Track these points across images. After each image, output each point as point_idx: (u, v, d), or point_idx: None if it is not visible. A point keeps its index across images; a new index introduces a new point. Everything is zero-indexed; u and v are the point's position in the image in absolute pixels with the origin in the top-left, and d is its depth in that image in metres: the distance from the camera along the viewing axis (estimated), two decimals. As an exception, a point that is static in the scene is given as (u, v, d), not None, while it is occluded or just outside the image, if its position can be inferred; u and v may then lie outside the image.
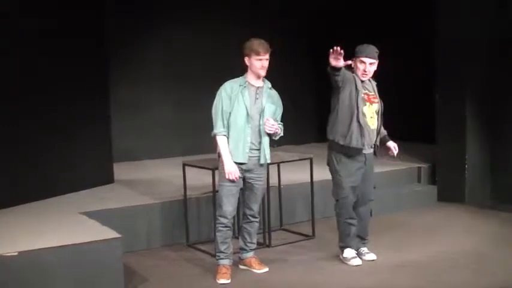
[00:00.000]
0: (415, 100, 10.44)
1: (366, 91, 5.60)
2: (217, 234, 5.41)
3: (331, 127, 5.64)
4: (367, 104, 5.58)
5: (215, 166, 5.71)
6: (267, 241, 6.39)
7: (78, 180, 7.13)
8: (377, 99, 5.70)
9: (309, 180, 6.73)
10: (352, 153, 5.55)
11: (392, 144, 5.90)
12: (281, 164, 6.68)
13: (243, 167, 5.33)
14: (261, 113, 5.34)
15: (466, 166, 8.12)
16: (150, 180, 7.89)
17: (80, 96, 7.08)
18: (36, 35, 6.56)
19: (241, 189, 5.46)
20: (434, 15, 8.32)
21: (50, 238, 5.11)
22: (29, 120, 6.50)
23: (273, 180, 6.58)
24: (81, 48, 7.05)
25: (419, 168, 8.72)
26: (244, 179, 5.41)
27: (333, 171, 5.71)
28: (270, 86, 5.47)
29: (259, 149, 5.37)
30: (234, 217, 5.66)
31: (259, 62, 5.25)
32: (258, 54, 5.22)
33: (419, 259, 5.88)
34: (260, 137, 5.36)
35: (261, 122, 5.33)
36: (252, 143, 5.33)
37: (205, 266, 5.75)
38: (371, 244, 5.95)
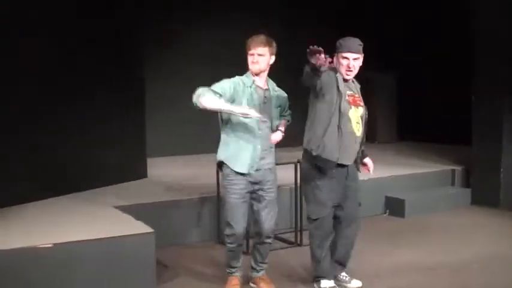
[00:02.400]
0: (450, 101, 10.35)
1: (351, 92, 4.88)
2: (227, 252, 5.02)
3: (307, 135, 4.90)
4: (352, 107, 4.82)
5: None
6: (298, 240, 6.38)
7: (113, 174, 7.22)
8: (362, 102, 4.95)
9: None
10: (330, 165, 4.76)
11: (369, 162, 5.12)
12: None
13: (250, 179, 4.82)
14: (270, 117, 4.93)
15: (501, 169, 8.01)
16: (183, 176, 7.94)
17: (116, 93, 7.17)
18: (75, 34, 6.67)
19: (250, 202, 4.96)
20: (471, 15, 8.23)
21: (83, 231, 5.16)
22: (67, 116, 6.61)
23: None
24: (117, 47, 7.14)
25: (453, 170, 8.64)
26: (251, 192, 4.89)
27: (310, 186, 4.91)
28: (275, 87, 5.02)
29: (265, 157, 4.89)
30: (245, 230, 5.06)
31: (250, 57, 4.80)
32: (249, 48, 4.80)
33: (452, 262, 5.82)
34: (267, 144, 4.92)
35: (269, 127, 4.93)
36: (263, 150, 4.86)
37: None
38: (404, 246, 5.90)
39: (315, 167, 4.81)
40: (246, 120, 4.73)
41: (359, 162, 4.99)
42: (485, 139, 8.13)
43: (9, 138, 6.03)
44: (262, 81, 4.88)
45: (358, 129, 4.84)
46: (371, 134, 11.32)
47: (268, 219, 4.94)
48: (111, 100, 7.11)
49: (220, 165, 4.92)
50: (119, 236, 5.06)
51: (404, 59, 11.09)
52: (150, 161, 8.06)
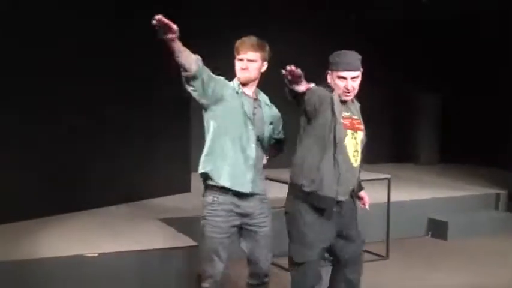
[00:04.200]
0: (496, 123, 10.24)
1: (349, 113, 4.01)
2: None
3: (295, 166, 4.03)
4: (349, 132, 3.97)
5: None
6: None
7: (158, 187, 7.35)
8: (362, 126, 4.10)
9: (384, 201, 6.67)
10: (323, 204, 3.90)
11: (366, 196, 4.40)
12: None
13: (238, 209, 3.92)
14: (262, 134, 4.03)
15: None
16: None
17: (162, 108, 7.32)
18: (128, 53, 6.80)
19: (240, 238, 4.08)
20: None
21: (128, 242, 5.27)
22: (117, 131, 6.81)
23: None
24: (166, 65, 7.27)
25: (497, 194, 8.52)
26: (241, 227, 4.01)
27: (296, 226, 4.00)
28: (267, 101, 4.14)
29: (257, 181, 4.00)
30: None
31: (238, 63, 3.95)
32: (237, 52, 3.95)
33: (493, 287, 5.76)
34: (260, 164, 4.05)
35: (260, 144, 4.04)
36: (256, 169, 3.98)
37: (279, 283, 5.76)
38: (445, 269, 5.85)
39: (308, 207, 3.93)
40: (239, 129, 3.91)
41: (354, 194, 4.17)
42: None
43: (65, 150, 6.26)
44: (251, 92, 4.02)
45: (355, 158, 4.00)
46: (414, 154, 11.30)
47: (265, 258, 4.07)
48: (158, 115, 7.23)
49: (205, 180, 3.97)
50: (163, 249, 5.15)
51: (450, 79, 11.02)
52: (194, 176, 8.13)
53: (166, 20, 3.39)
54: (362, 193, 4.37)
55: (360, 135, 4.05)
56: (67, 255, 4.90)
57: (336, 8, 10.15)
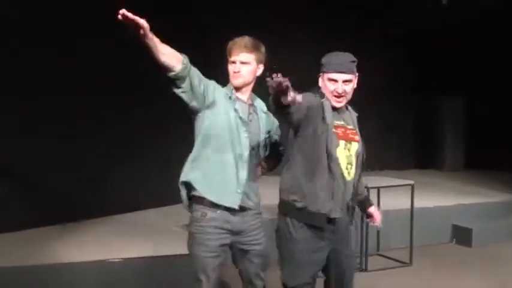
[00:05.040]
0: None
1: (342, 122, 3.65)
2: None
3: (284, 181, 3.67)
4: (342, 142, 3.60)
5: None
6: (364, 265, 6.36)
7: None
8: (358, 136, 3.71)
9: (408, 207, 6.64)
10: (316, 221, 3.57)
11: (375, 212, 4.01)
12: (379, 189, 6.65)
13: (228, 225, 3.51)
14: (258, 142, 3.65)
15: None
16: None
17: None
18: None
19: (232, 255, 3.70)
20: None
21: (152, 247, 5.30)
22: (146, 139, 6.90)
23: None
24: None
25: (522, 200, 8.46)
26: (231, 245, 3.60)
27: (288, 246, 3.65)
28: (264, 107, 3.74)
29: (250, 195, 3.60)
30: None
31: (230, 66, 3.58)
32: (229, 55, 3.56)
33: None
34: (254, 177, 3.65)
35: (256, 157, 3.66)
36: (249, 182, 3.56)
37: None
38: (471, 277, 5.80)
39: (298, 222, 3.60)
40: (231, 137, 3.51)
41: (352, 213, 3.77)
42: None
43: (93, 155, 6.36)
44: (245, 97, 3.65)
45: (348, 171, 3.62)
46: (438, 160, 11.23)
47: (259, 278, 3.70)
48: (186, 122, 7.26)
49: (188, 191, 3.57)
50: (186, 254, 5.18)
51: (474, 83, 10.95)
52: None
53: (130, 15, 2.98)
54: (372, 209, 4.01)
55: (355, 146, 3.66)
56: (91, 260, 4.95)
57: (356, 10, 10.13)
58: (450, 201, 7.97)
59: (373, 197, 6.38)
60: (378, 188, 6.54)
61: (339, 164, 3.55)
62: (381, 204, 6.77)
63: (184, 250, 4.94)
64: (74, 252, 5.15)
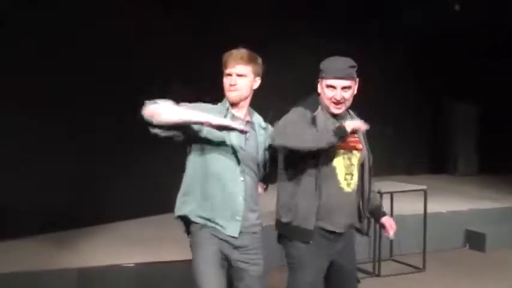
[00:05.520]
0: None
1: None
2: None
3: (277, 199, 3.56)
4: (341, 152, 3.43)
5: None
6: (376, 270, 6.35)
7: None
8: (361, 145, 3.51)
9: (421, 212, 6.63)
10: (304, 236, 3.39)
11: (388, 222, 3.75)
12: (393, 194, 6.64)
13: (231, 240, 3.35)
14: (256, 160, 3.46)
15: None
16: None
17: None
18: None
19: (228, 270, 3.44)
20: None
21: (163, 252, 5.33)
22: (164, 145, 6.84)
23: (385, 210, 6.53)
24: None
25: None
26: (230, 262, 3.39)
27: (293, 266, 3.49)
28: (262, 122, 3.56)
29: (249, 217, 3.42)
30: None
31: (226, 79, 3.39)
32: (225, 67, 3.39)
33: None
34: (253, 197, 3.45)
35: (255, 176, 3.47)
36: (247, 205, 3.39)
37: None
38: (485, 282, 5.78)
39: (292, 241, 3.45)
40: (226, 161, 3.34)
41: (364, 226, 3.63)
42: None
43: (116, 161, 6.50)
44: (242, 113, 3.45)
45: (348, 183, 3.45)
46: (451, 165, 11.20)
47: None
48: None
49: (186, 224, 3.46)
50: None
51: (488, 88, 10.90)
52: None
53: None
54: (384, 219, 3.78)
55: (357, 155, 3.49)
56: (104, 265, 4.98)
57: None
58: (463, 206, 7.96)
59: (386, 202, 6.39)
60: (391, 193, 6.54)
61: (336, 175, 3.41)
62: (393, 209, 6.80)
63: (180, 257, 4.91)
64: (90, 257, 5.19)
